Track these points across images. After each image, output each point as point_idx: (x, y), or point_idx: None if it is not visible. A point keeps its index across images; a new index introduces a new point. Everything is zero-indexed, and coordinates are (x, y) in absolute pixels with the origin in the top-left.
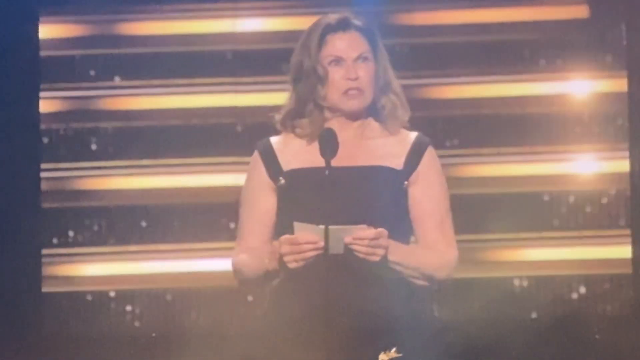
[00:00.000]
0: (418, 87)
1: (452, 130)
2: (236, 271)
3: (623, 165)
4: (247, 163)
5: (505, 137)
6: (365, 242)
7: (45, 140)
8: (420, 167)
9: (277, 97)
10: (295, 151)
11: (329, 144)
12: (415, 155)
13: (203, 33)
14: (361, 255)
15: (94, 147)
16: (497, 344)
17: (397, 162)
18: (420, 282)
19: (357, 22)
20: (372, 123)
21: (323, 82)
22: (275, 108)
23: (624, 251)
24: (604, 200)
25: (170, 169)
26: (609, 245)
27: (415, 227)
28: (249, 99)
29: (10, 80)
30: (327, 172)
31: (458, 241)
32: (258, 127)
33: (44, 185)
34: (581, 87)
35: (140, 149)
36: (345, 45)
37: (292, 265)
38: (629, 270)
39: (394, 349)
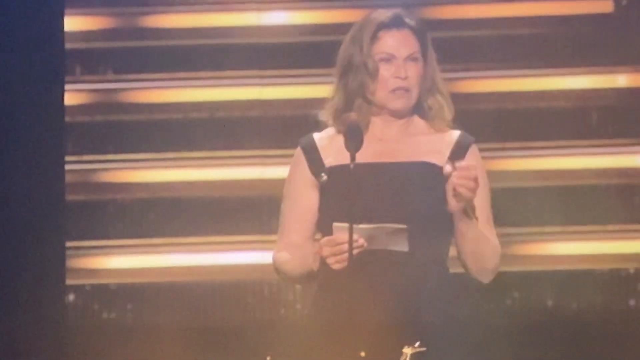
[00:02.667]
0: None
1: (475, 124)
2: (277, 268)
3: None
4: (273, 156)
5: (530, 131)
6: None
7: (70, 133)
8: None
9: (303, 91)
10: (338, 147)
11: (353, 137)
12: (459, 153)
13: (228, 26)
14: (460, 188)
15: (118, 139)
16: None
17: (441, 159)
18: (472, 265)
19: (409, 20)
20: (416, 120)
21: (373, 77)
22: (301, 101)
23: None
24: (629, 195)
25: (195, 162)
26: (633, 240)
27: None
28: (274, 92)
29: (35, 73)
30: (351, 166)
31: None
32: (283, 120)
33: (68, 178)
34: (606, 82)
35: (165, 141)
36: (397, 43)
37: (335, 266)
38: None
39: (417, 343)
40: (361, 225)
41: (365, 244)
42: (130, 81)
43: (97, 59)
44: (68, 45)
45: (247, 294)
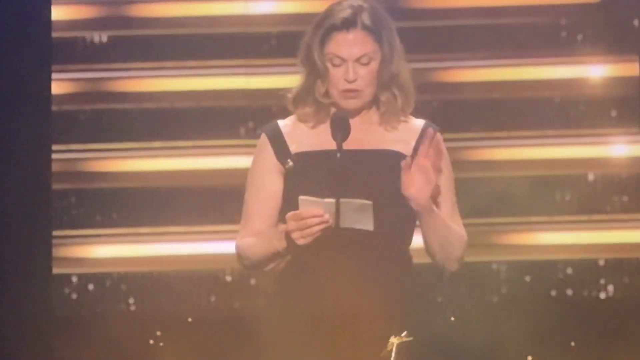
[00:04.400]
0: (429, 70)
1: (462, 113)
2: (242, 255)
3: (636, 149)
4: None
5: (516, 121)
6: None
7: (57, 121)
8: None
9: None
10: (303, 134)
11: (340, 127)
12: (424, 142)
13: (215, 15)
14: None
15: (105, 128)
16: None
17: (406, 148)
18: (439, 254)
19: (365, 19)
20: (376, 112)
21: (324, 79)
22: (288, 91)
23: (635, 236)
24: (615, 185)
25: (181, 151)
26: (619, 230)
27: None
28: (261, 81)
29: (22, 61)
30: (338, 155)
31: (469, 224)
32: (270, 110)
33: (55, 167)
34: (593, 71)
35: (152, 130)
36: (347, 46)
37: (300, 241)
38: (638, 254)
39: (404, 333)
40: (326, 200)
41: (331, 220)
42: (117, 70)
43: (83, 48)
44: (55, 34)
45: (236, 283)
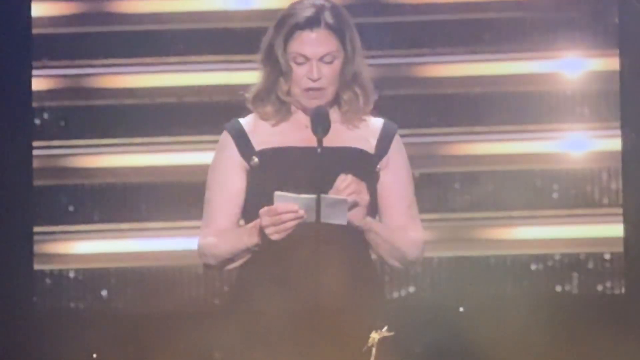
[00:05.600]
0: (408, 65)
1: (444, 108)
2: (207, 253)
3: (615, 143)
4: None
5: (497, 115)
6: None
7: (37, 118)
8: (390, 152)
9: None
10: (265, 131)
11: (319, 121)
12: (385, 141)
13: (195, 10)
14: (348, 194)
15: (86, 125)
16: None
17: (369, 146)
18: (393, 262)
19: (328, 17)
20: (337, 111)
21: (287, 77)
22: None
23: (616, 230)
24: (596, 179)
25: (162, 147)
26: (600, 224)
27: (383, 211)
28: (242, 77)
29: (2, 58)
30: (319, 150)
31: (449, 219)
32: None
33: (35, 163)
34: (573, 66)
35: (133, 127)
36: (311, 44)
37: (274, 237)
38: (620, 249)
39: (385, 327)
40: (303, 195)
41: (305, 215)
42: (98, 66)
43: (64, 44)
44: (35, 31)
45: (216, 278)
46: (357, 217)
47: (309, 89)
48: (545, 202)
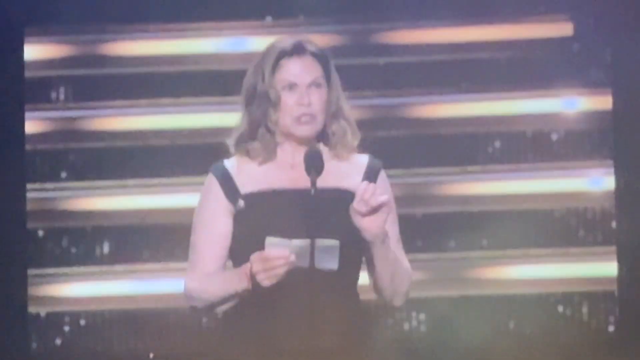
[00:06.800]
0: (403, 105)
1: (438, 148)
2: (194, 296)
3: (608, 182)
4: None
5: (490, 155)
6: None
7: (31, 160)
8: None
9: None
10: (250, 174)
11: (313, 162)
12: (370, 178)
13: (188, 53)
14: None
15: (79, 167)
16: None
17: (354, 185)
18: (388, 290)
19: (311, 47)
20: (322, 147)
21: (276, 107)
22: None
23: (610, 269)
24: (590, 218)
25: (155, 189)
26: (594, 263)
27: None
28: (235, 118)
29: None
30: (312, 191)
31: (441, 259)
32: None
33: (29, 206)
34: (566, 105)
35: (127, 169)
36: (299, 70)
37: (265, 283)
38: (614, 287)
39: None
40: (295, 241)
41: (295, 260)
42: (91, 109)
43: (57, 87)
44: (28, 74)
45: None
46: (380, 225)
47: (301, 116)
48: (539, 241)
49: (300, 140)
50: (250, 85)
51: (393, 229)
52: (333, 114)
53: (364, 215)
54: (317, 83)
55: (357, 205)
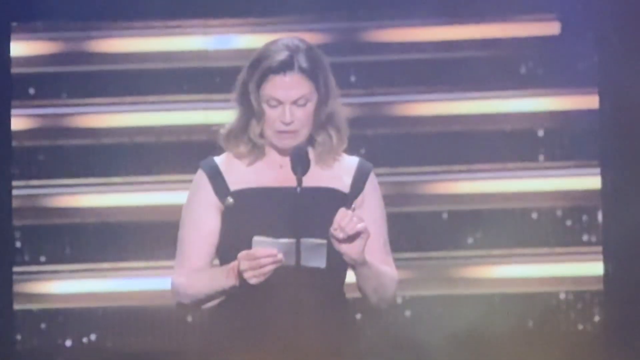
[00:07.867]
0: (389, 104)
1: (424, 147)
2: (180, 292)
3: (594, 181)
4: None
5: (477, 154)
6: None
7: (17, 157)
8: (365, 191)
9: None
10: (240, 171)
11: (299, 161)
12: (360, 180)
13: (174, 50)
14: (343, 239)
15: (65, 164)
16: None
17: (344, 185)
18: (374, 298)
19: (302, 61)
20: (312, 151)
21: (259, 119)
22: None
23: (596, 268)
24: (576, 217)
25: (141, 186)
26: (580, 262)
27: None
28: (220, 116)
29: None
30: (298, 189)
31: (429, 258)
32: None
33: (15, 203)
34: (553, 104)
35: (113, 166)
36: (284, 89)
37: (252, 280)
38: (600, 287)
39: None
40: (282, 240)
41: (283, 259)
42: (77, 106)
43: (43, 84)
44: (14, 70)
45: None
46: (358, 251)
47: (281, 132)
48: (525, 241)
49: (283, 151)
50: (240, 87)
51: (380, 232)
52: (321, 124)
53: (341, 242)
54: (302, 100)
55: (334, 231)
